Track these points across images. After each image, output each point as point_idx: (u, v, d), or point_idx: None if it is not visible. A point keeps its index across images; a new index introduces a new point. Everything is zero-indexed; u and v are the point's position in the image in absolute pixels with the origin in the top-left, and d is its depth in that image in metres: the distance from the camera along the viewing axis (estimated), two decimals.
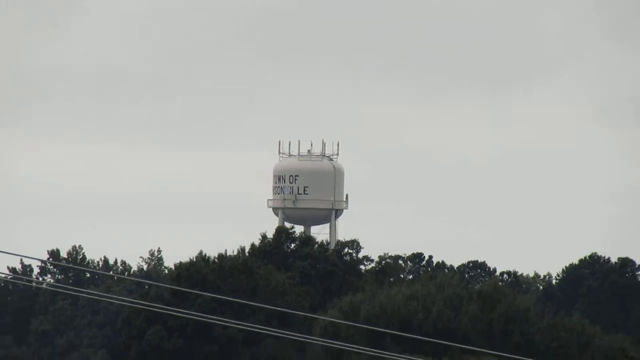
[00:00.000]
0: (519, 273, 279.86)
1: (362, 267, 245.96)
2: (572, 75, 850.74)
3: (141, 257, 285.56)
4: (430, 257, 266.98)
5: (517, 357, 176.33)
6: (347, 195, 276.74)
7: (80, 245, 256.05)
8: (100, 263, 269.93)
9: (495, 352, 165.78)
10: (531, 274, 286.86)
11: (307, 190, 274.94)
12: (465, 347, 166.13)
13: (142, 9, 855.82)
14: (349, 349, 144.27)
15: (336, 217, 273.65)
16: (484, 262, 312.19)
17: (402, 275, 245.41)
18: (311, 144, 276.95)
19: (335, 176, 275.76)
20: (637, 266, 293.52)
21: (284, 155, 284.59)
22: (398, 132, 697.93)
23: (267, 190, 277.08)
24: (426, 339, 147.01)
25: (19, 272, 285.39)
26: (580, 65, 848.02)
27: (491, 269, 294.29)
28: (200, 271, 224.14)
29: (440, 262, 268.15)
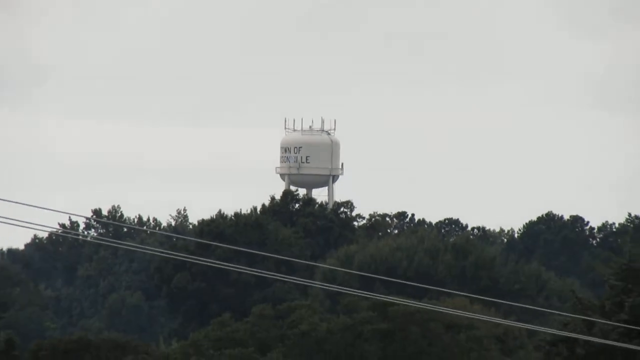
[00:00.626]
0: (486, 228, 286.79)
1: (355, 223, 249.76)
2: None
3: (170, 214, 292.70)
4: (413, 215, 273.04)
5: (485, 297, 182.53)
6: (342, 163, 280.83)
7: (118, 205, 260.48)
8: (136, 219, 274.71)
9: (467, 294, 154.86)
10: (497, 229, 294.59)
11: (309, 160, 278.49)
12: (442, 289, 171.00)
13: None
14: (344, 291, 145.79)
15: (333, 181, 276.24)
16: (458, 219, 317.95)
17: (388, 230, 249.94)
18: (312, 121, 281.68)
19: (332, 147, 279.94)
20: (585, 222, 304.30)
21: (289, 130, 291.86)
22: (385, 110, 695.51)
23: (275, 159, 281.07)
24: (409, 283, 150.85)
25: (68, 227, 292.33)
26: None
27: (463, 225, 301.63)
28: (219, 227, 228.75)
29: (421, 219, 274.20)
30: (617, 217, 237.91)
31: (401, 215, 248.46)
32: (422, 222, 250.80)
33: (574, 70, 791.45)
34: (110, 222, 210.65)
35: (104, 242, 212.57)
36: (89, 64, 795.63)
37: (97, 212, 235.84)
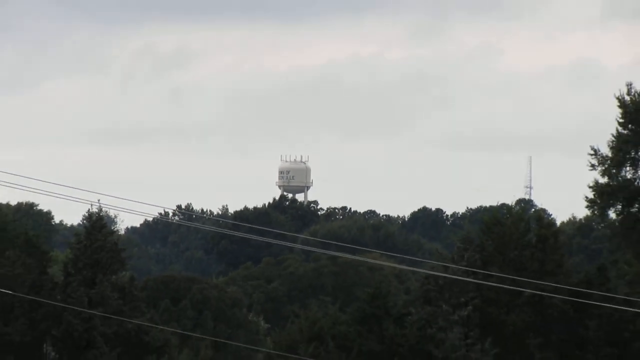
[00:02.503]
0: (391, 215, 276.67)
1: (319, 213, 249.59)
2: None
3: (217, 207, 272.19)
4: (351, 208, 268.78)
5: (391, 254, 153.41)
6: (312, 180, 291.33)
7: (190, 202, 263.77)
8: (201, 210, 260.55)
9: (382, 252, 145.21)
10: (398, 215, 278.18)
11: (294, 178, 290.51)
12: (366, 249, 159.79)
13: None
14: (313, 250, 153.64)
15: (307, 190, 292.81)
16: (375, 210, 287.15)
17: (338, 217, 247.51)
18: (295, 157, 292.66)
19: (306, 171, 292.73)
20: (444, 212, 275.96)
21: (283, 162, 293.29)
22: (335, 151, 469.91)
23: (275, 177, 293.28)
24: (347, 245, 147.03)
25: (163, 214, 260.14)
26: None
27: (378, 213, 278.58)
28: (247, 213, 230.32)
29: (356, 210, 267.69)
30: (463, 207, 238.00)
31: (344, 208, 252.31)
32: (356, 212, 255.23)
33: None
34: (185, 212, 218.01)
35: (183, 223, 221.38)
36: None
37: (179, 206, 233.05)
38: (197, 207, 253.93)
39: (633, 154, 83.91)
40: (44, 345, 75.05)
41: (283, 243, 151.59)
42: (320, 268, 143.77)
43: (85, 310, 70.84)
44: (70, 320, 72.64)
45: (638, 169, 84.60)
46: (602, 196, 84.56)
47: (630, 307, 68.00)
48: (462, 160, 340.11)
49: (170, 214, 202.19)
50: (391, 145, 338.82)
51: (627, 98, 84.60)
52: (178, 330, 78.46)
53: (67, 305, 71.68)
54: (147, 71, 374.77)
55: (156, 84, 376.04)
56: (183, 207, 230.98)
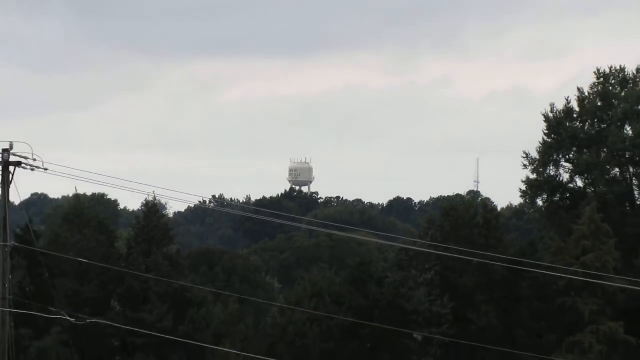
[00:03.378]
0: (374, 203, 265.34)
1: (319, 201, 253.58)
2: None
3: (243, 197, 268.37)
4: (342, 197, 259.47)
5: (374, 232, 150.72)
6: (314, 176, 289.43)
7: (222, 194, 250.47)
8: (231, 198, 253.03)
9: (367, 231, 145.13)
10: (377, 202, 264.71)
11: (300, 175, 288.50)
12: (353, 228, 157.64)
13: None
14: (314, 229, 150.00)
15: (310, 184, 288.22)
16: (361, 198, 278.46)
17: (333, 204, 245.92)
18: (302, 158, 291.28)
19: (310, 169, 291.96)
20: (409, 199, 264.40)
21: (292, 162, 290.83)
22: (333, 155, 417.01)
23: (286, 174, 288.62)
24: (339, 225, 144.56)
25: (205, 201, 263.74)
26: None
27: (364, 201, 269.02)
28: (265, 202, 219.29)
29: (347, 199, 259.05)
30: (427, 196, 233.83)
31: (338, 197, 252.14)
32: (347, 200, 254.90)
33: None
34: (218, 200, 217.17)
35: (216, 209, 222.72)
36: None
37: (214, 196, 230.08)
38: (227, 196, 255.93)
39: (555, 157, 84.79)
40: (111, 301, 76.02)
41: (292, 224, 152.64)
42: (320, 243, 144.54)
43: (143, 274, 71.52)
44: (131, 282, 73.46)
45: (559, 168, 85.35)
46: (531, 189, 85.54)
47: (553, 272, 68.77)
48: (427, 161, 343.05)
49: (207, 202, 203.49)
50: (374, 149, 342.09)
51: (551, 115, 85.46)
52: (213, 290, 79.08)
53: (129, 271, 72.39)
54: (189, 93, 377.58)
55: (195, 103, 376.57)
56: (217, 196, 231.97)
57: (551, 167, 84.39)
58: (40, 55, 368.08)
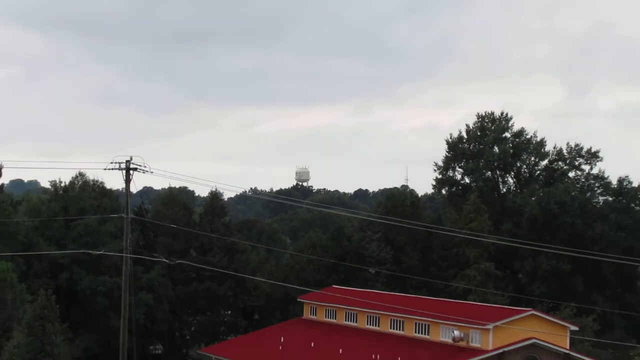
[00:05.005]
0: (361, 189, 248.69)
1: (313, 191, 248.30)
2: None
3: (263, 188, 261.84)
4: (333, 189, 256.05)
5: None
6: (310, 177, 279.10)
7: (255, 186, 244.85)
8: (264, 190, 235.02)
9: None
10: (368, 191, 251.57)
11: (302, 176, 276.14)
12: (344, 209, 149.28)
13: None
14: (313, 207, 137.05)
15: (309, 181, 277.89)
16: (344, 191, 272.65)
17: (321, 193, 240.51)
18: (302, 166, 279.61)
19: (308, 173, 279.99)
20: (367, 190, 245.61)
21: (298, 168, 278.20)
22: (322, 164, 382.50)
23: (293, 175, 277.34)
24: (331, 206, 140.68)
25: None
26: None
27: (348, 192, 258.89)
28: (283, 192, 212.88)
29: (337, 190, 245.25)
30: (377, 188, 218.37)
31: (324, 189, 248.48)
32: (330, 190, 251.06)
33: None
34: (254, 190, 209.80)
35: (252, 195, 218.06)
36: None
37: (251, 188, 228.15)
38: (259, 188, 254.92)
39: (452, 165, 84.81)
40: (190, 250, 74.82)
41: (297, 205, 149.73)
42: (314, 216, 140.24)
43: (209, 234, 71.02)
44: (202, 239, 72.71)
45: (454, 172, 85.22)
46: (438, 184, 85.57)
47: (452, 233, 67.45)
48: (378, 167, 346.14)
49: (247, 191, 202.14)
50: (346, 160, 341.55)
51: (450, 140, 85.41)
52: (250, 243, 78.42)
53: (200, 232, 71.60)
54: (236, 128, 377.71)
55: (240, 134, 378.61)
56: (252, 188, 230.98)
57: (450, 171, 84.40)
58: (148, 105, 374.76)
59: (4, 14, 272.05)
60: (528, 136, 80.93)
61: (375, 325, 47.14)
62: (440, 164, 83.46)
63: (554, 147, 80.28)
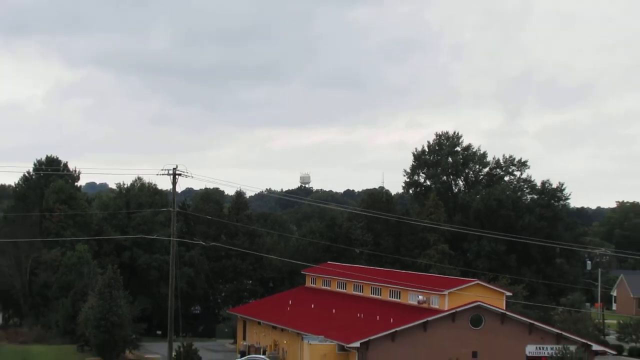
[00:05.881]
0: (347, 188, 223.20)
1: (313, 190, 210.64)
2: None
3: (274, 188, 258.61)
4: (322, 189, 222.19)
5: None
6: (311, 180, 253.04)
7: (269, 187, 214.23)
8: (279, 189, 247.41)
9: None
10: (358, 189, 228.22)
11: (305, 179, 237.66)
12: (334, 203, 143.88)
13: None
14: (315, 203, 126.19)
15: (309, 183, 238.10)
16: (328, 189, 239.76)
17: (318, 191, 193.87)
18: (305, 171, 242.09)
19: (309, 177, 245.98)
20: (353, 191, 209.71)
21: (301, 174, 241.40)
22: (325, 170, 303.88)
23: (297, 179, 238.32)
24: (323, 201, 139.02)
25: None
26: None
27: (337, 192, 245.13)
28: (289, 191, 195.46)
29: (331, 190, 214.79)
30: (361, 188, 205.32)
31: (321, 189, 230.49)
32: (325, 190, 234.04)
33: None
34: (269, 189, 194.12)
35: (268, 194, 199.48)
36: None
37: (267, 188, 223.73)
38: (273, 188, 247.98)
39: (417, 171, 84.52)
40: (221, 235, 73.04)
41: (301, 201, 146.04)
42: (314, 210, 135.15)
43: (235, 223, 70.34)
44: (230, 227, 70.95)
45: (419, 176, 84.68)
46: (407, 186, 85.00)
47: (417, 223, 66.72)
48: (359, 173, 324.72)
49: (264, 191, 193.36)
50: (336, 169, 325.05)
51: (415, 153, 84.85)
52: (266, 230, 77.00)
53: (228, 221, 70.51)
54: (254, 143, 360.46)
55: (256, 149, 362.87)
56: (268, 189, 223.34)
57: (415, 176, 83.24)
58: (187, 125, 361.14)
59: (85, 57, 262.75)
60: (474, 150, 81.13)
61: (360, 292, 47.85)
62: (408, 170, 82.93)
63: (493, 158, 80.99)
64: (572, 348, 37.59)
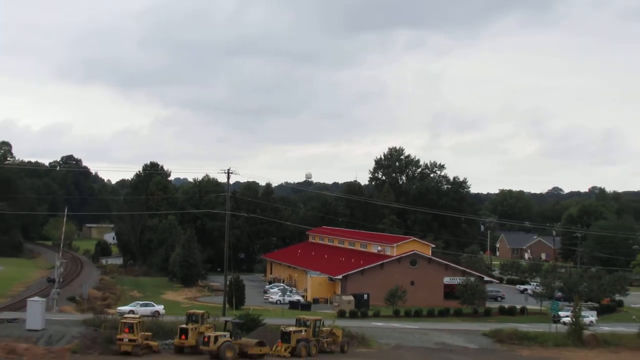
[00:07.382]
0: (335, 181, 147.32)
1: (314, 183, 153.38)
2: None
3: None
4: (319, 182, 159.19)
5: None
6: (312, 176, 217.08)
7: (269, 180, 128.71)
8: (283, 183, 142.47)
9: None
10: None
11: (308, 177, 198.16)
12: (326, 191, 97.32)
13: None
14: (314, 191, 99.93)
15: (311, 177, 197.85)
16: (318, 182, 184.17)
17: (313, 182, 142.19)
18: (309, 171, 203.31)
19: (311, 175, 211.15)
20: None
21: (306, 172, 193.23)
22: (323, 171, 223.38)
23: (303, 175, 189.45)
24: (321, 191, 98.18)
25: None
26: None
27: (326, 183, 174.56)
28: (300, 184, 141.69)
29: (326, 182, 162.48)
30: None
31: (319, 182, 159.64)
32: (321, 182, 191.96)
33: None
34: (285, 182, 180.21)
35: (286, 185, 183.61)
36: None
37: (285, 181, 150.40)
38: (289, 181, 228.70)
39: (377, 171, 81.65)
40: (256, 210, 65.24)
41: (305, 189, 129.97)
42: (314, 195, 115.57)
43: (265, 202, 64.75)
44: (263, 204, 63.67)
45: (379, 175, 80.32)
46: (371, 180, 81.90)
47: (379, 203, 64.60)
48: (348, 174, 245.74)
49: (283, 183, 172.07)
50: (328, 171, 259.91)
51: (376, 160, 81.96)
52: (284, 206, 67.86)
53: (261, 201, 64.32)
54: (275, 155, 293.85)
55: (278, 158, 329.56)
56: (285, 181, 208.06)
57: (377, 174, 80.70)
58: (238, 143, 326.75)
59: (174, 101, 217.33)
60: (412, 158, 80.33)
61: (342, 245, 48.48)
62: (372, 170, 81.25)
63: (424, 163, 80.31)
64: (472, 279, 39.43)
